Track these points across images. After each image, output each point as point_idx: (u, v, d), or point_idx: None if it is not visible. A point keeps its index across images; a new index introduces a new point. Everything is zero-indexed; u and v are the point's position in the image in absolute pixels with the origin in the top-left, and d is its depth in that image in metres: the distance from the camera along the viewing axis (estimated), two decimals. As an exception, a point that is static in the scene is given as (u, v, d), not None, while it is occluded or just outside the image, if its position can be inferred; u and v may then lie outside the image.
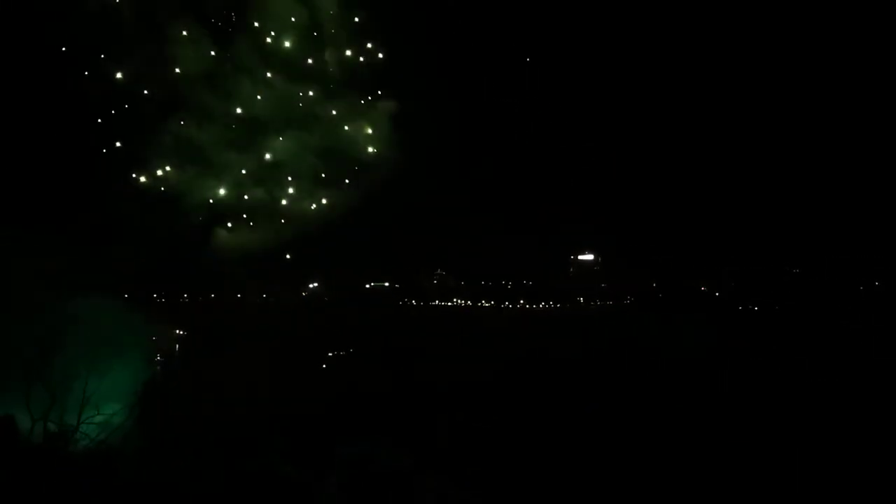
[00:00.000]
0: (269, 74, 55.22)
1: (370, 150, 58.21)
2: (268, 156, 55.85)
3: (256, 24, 54.95)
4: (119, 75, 52.53)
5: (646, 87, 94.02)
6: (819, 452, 46.47)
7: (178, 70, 53.19)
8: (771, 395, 61.84)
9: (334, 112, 57.27)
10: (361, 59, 57.76)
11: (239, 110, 55.10)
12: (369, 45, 58.16)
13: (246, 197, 56.57)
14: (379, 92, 58.09)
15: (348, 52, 57.21)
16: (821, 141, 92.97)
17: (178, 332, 58.15)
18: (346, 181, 58.54)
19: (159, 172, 54.54)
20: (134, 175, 54.41)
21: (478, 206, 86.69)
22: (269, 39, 55.27)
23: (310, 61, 56.79)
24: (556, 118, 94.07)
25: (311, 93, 56.46)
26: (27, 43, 49.18)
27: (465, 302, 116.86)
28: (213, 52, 53.58)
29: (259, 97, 55.33)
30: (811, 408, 55.55)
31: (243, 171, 56.08)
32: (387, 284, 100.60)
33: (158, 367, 48.40)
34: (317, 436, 50.16)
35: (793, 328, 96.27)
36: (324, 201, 58.26)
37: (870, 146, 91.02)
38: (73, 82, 51.39)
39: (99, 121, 52.56)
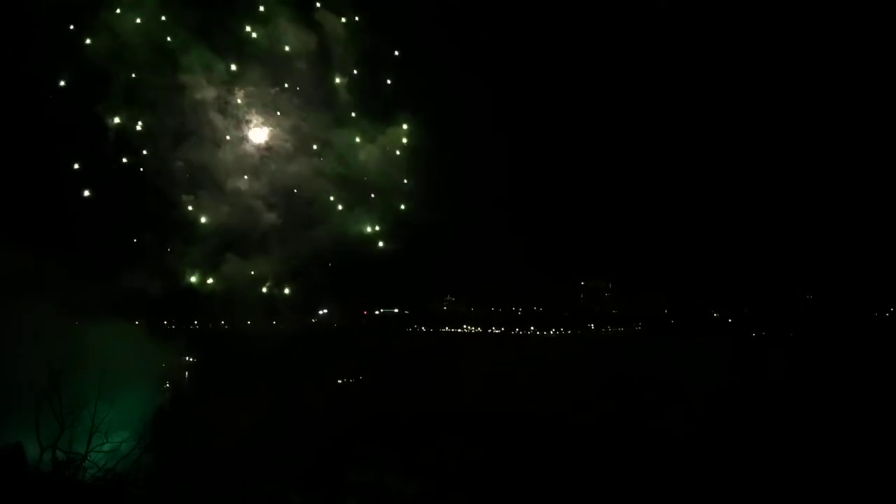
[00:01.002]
0: (279, 100, 55.46)
1: (382, 176, 58.25)
2: (279, 182, 55.91)
3: (267, 49, 55.22)
4: (130, 102, 52.78)
5: (659, 116, 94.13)
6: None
7: (189, 97, 53.41)
8: (782, 421, 61.40)
9: (346, 138, 57.34)
10: (373, 84, 57.97)
11: (251, 136, 55.25)
12: (382, 73, 58.31)
13: (257, 223, 56.57)
14: (390, 117, 58.14)
15: (360, 78, 57.42)
16: (834, 168, 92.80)
17: (187, 358, 58.21)
18: (357, 207, 58.50)
19: (170, 198, 54.65)
20: (144, 201, 54.52)
21: (488, 233, 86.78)
22: (279, 65, 55.54)
23: (321, 87, 56.96)
24: (568, 145, 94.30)
25: (322, 119, 56.60)
26: (39, 73, 49.58)
27: (475, 328, 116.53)
28: (223, 79, 53.85)
29: (270, 123, 55.46)
30: (821, 435, 55.15)
31: (255, 198, 56.12)
32: (396, 310, 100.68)
33: (168, 395, 48.38)
34: (327, 462, 50.06)
35: (807, 354, 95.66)
36: (334, 227, 58.23)
37: (882, 172, 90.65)
38: (84, 110, 51.65)
39: (110, 148, 52.70)
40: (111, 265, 51.60)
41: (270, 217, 55.45)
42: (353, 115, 57.08)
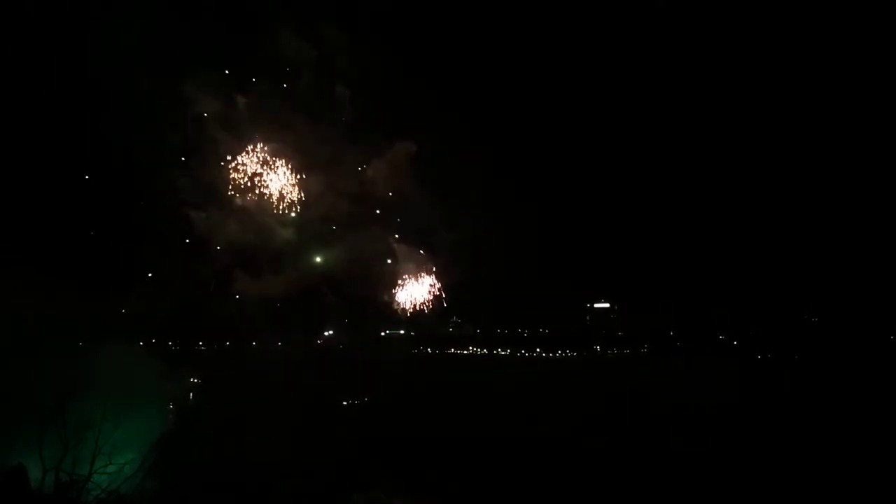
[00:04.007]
0: (287, 115, 55.56)
1: (389, 193, 58.29)
2: (288, 200, 55.88)
3: (272, 65, 55.43)
4: (136, 117, 52.88)
5: (666, 142, 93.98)
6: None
7: (195, 111, 53.48)
8: (789, 447, 60.86)
9: (354, 154, 57.39)
10: (378, 99, 58.14)
11: (259, 153, 55.30)
12: (387, 86, 58.50)
13: (264, 241, 56.50)
14: (398, 133, 58.18)
15: (365, 93, 57.55)
16: (841, 188, 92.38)
17: (192, 380, 58.01)
18: (362, 226, 58.46)
19: (177, 216, 54.62)
20: (152, 219, 54.55)
21: (493, 253, 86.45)
22: (285, 80, 55.75)
23: (327, 102, 57.13)
24: (575, 165, 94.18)
25: (331, 134, 56.71)
26: (48, 87, 49.77)
27: (481, 349, 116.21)
28: (229, 94, 53.98)
29: (278, 139, 55.51)
30: (827, 462, 54.58)
31: (264, 216, 56.10)
32: (402, 332, 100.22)
33: (172, 416, 48.13)
34: (331, 484, 49.80)
35: (813, 378, 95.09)
36: (341, 246, 58.20)
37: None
38: (89, 127, 51.80)
39: (117, 166, 52.75)
40: (117, 285, 51.57)
41: (281, 235, 55.45)
42: (362, 130, 57.21)
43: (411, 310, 61.99)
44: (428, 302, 61.98)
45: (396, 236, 58.94)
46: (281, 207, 55.67)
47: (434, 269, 61.68)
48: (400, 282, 61.00)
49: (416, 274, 60.58)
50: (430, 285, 61.44)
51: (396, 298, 61.65)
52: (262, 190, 55.08)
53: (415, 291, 61.82)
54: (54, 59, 49.64)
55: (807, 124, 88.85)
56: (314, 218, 56.89)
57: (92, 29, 50.22)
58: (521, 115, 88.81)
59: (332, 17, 55.75)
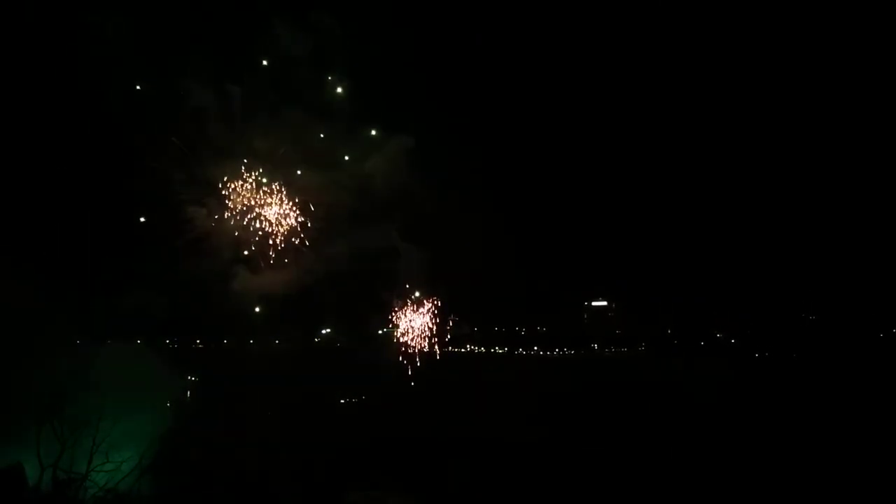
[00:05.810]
0: (283, 110, 55.40)
1: (382, 188, 58.21)
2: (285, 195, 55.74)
3: (267, 59, 55.33)
4: (131, 116, 52.73)
5: (661, 131, 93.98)
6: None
7: (191, 106, 53.32)
8: (785, 446, 60.91)
9: (347, 149, 57.24)
10: (377, 94, 58.04)
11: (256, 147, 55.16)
12: (385, 81, 58.34)
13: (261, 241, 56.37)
14: (397, 129, 58.06)
15: (358, 87, 57.48)
16: (837, 188, 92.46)
17: (190, 378, 57.95)
18: (362, 222, 58.42)
19: (175, 214, 54.48)
20: (148, 217, 54.40)
21: (491, 252, 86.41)
22: (280, 73, 55.62)
23: (320, 96, 57.04)
24: (574, 164, 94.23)
25: (325, 128, 56.56)
26: (44, 85, 49.59)
27: (478, 348, 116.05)
28: (225, 88, 53.82)
29: (275, 133, 55.35)
30: (823, 462, 54.63)
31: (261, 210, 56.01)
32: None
33: (171, 414, 48.07)
34: (328, 482, 49.80)
35: (809, 377, 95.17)
36: (337, 244, 58.12)
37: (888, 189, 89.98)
38: (85, 125, 51.65)
39: (114, 164, 52.64)
40: (115, 285, 51.47)
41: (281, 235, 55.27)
42: (355, 123, 57.11)
43: (410, 340, 62.39)
44: (425, 334, 62.37)
45: (395, 233, 58.74)
46: (278, 242, 55.66)
47: (435, 299, 61.81)
48: (395, 311, 61.25)
49: (417, 303, 60.82)
50: (432, 313, 61.72)
51: (397, 324, 61.99)
52: (258, 222, 55.09)
53: (415, 321, 62.17)
54: (51, 56, 49.49)
55: (805, 124, 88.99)
56: (314, 216, 56.64)
57: (88, 25, 50.08)
58: (520, 114, 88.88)
59: (331, 9, 55.60)
